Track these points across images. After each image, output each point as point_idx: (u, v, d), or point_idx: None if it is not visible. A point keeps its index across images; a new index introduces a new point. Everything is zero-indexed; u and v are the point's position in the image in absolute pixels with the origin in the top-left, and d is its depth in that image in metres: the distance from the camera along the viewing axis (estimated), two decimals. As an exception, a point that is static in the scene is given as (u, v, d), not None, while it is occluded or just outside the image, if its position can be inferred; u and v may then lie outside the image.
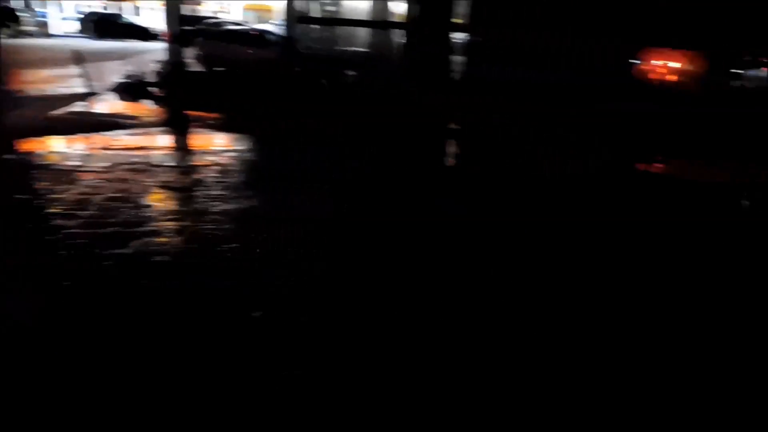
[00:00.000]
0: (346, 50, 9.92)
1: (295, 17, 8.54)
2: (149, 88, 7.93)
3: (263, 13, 23.04)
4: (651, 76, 7.13)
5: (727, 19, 6.37)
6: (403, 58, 7.62)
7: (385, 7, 9.19)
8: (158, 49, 9.07)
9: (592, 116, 5.89)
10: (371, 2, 9.49)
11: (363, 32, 9.84)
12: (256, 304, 2.48)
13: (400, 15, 8.96)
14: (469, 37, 6.66)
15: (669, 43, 7.11)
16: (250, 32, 12.22)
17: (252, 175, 4.67)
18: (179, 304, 2.46)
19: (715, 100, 6.73)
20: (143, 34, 18.98)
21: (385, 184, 4.60)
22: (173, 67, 8.38)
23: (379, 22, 8.87)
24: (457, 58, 6.75)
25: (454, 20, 6.50)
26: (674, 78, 7.19)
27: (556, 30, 6.34)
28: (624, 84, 6.69)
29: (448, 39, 6.75)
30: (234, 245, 3.07)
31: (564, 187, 4.56)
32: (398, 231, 3.52)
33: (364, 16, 9.69)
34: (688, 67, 7.10)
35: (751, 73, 6.78)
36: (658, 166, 5.54)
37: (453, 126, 6.59)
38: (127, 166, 4.51)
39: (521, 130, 6.08)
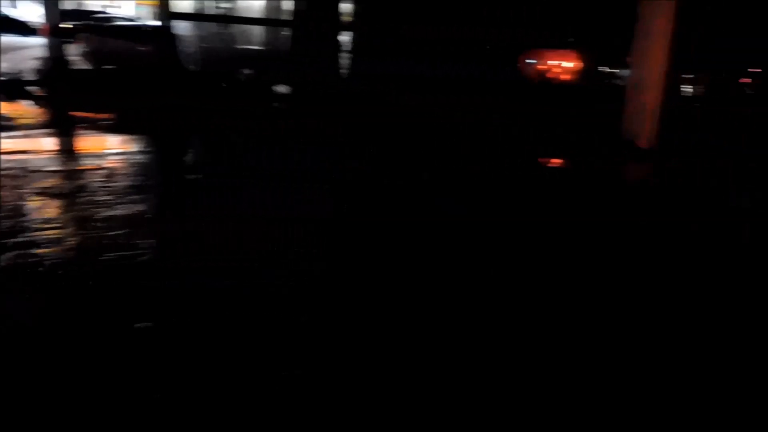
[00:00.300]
0: (246, 48, 9.76)
1: (169, 13, 8.18)
2: (28, 87, 7.40)
3: (159, 9, 22.01)
4: (546, 74, 7.60)
5: (611, 22, 6.90)
6: (291, 54, 7.59)
7: (279, 4, 9.12)
8: (39, 44, 8.45)
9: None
10: (266, 0, 9.40)
11: (263, 30, 9.73)
12: (139, 314, 2.40)
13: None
14: (355, 34, 6.75)
15: (560, 43, 7.63)
16: (143, 28, 11.68)
17: (142, 178, 4.49)
18: (49, 316, 2.33)
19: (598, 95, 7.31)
20: (21, 28, 17.58)
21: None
22: (55, 64, 7.86)
23: (263, 20, 8.77)
24: (344, 54, 6.83)
25: (340, 17, 6.55)
26: (567, 76, 7.73)
27: (448, 26, 6.58)
28: (512, 80, 7.10)
29: (334, 35, 6.79)
30: (116, 253, 2.94)
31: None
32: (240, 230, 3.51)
33: (258, 14, 9.58)
34: (578, 65, 7.62)
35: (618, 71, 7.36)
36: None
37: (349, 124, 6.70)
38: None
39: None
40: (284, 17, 8.83)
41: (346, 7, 6.86)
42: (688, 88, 6.01)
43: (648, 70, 4.84)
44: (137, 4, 24.48)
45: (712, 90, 5.94)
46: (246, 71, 9.01)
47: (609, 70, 6.95)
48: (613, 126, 5.27)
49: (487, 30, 6.70)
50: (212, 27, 9.46)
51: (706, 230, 3.98)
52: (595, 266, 3.32)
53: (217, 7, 10.00)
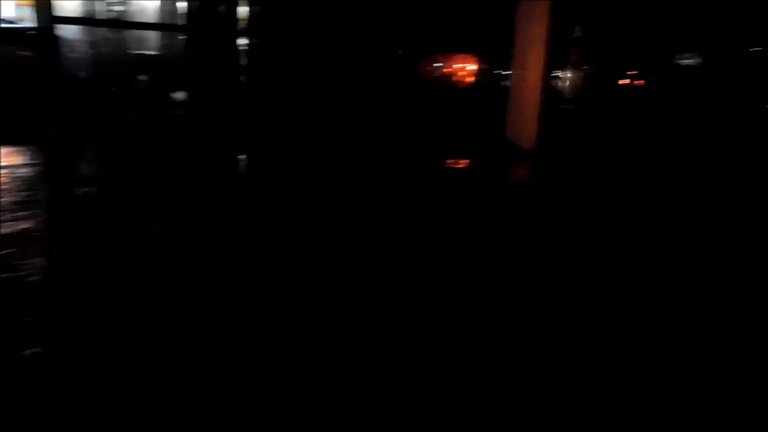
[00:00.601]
0: (141, 54, 9.39)
1: (51, 16, 7.74)
2: None
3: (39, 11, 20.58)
4: (452, 76, 8.09)
5: (500, 29, 7.34)
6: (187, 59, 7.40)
7: (174, 8, 8.87)
8: None
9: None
10: (161, 3, 9.09)
11: (160, 35, 9.39)
12: None
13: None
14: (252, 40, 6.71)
15: (452, 50, 8.11)
16: (24, 31, 10.93)
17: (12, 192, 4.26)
18: None
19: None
20: None
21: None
22: None
23: (152, 24, 8.47)
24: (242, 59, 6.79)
25: (237, 21, 6.49)
26: (471, 78, 8.27)
27: (346, 33, 6.71)
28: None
29: (232, 40, 6.71)
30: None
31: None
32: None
33: (154, 18, 9.25)
34: (467, 70, 8.12)
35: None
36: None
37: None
38: None
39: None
40: (181, 21, 8.61)
41: (244, 12, 6.81)
42: (567, 89, 6.54)
43: (527, 75, 5.21)
44: (17, 5, 22.79)
45: (590, 91, 6.47)
46: (141, 77, 8.67)
47: (498, 74, 7.42)
48: (499, 127, 5.62)
49: (380, 36, 6.90)
50: (103, 31, 9.03)
51: (565, 225, 4.36)
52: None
53: (108, 11, 9.56)
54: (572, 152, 5.61)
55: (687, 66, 7.35)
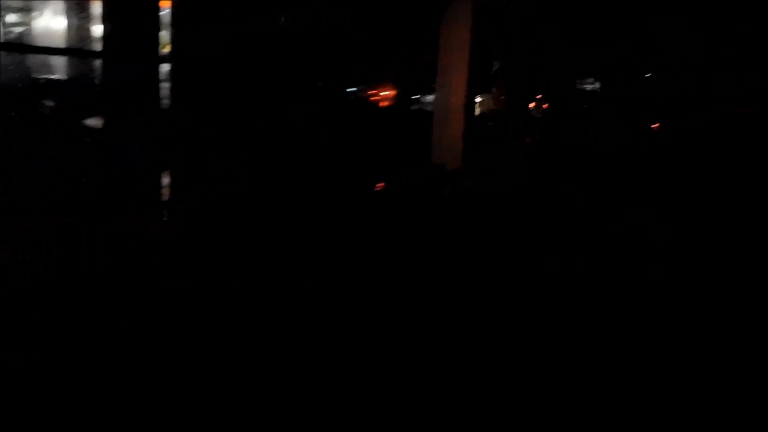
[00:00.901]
0: (46, 78, 8.96)
1: None
2: None
3: None
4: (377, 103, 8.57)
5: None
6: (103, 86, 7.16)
7: (86, 31, 8.55)
8: None
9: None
10: (69, 25, 8.72)
11: (67, 59, 8.99)
12: None
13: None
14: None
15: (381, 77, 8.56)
16: None
17: None
18: None
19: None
20: None
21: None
22: None
23: (70, 50, 8.15)
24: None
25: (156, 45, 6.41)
26: (395, 104, 8.85)
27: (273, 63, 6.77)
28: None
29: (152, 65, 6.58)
30: None
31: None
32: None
33: (61, 41, 8.85)
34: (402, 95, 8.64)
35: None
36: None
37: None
38: None
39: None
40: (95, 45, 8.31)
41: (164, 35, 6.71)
42: (488, 114, 7.00)
43: (450, 101, 5.58)
44: None
45: (507, 115, 6.96)
46: (48, 103, 8.28)
47: (422, 101, 7.83)
48: (425, 151, 5.94)
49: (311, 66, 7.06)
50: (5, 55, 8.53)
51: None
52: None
53: (6, 33, 9.04)
54: (491, 173, 6.03)
55: (588, 90, 8.17)
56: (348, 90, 7.60)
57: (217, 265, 4.14)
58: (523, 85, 6.94)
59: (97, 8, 8.47)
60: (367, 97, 7.66)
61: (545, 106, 7.67)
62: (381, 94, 7.92)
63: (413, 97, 7.58)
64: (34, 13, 9.21)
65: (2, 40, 8.75)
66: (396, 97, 7.71)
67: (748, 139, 8.19)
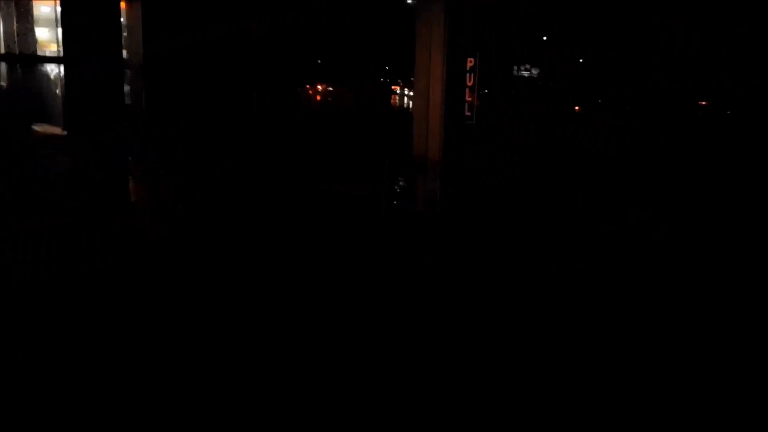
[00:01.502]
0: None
1: None
2: None
3: None
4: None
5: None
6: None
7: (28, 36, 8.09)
8: None
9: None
10: (6, 28, 8.21)
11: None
12: None
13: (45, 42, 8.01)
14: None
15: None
16: None
17: None
18: None
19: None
20: None
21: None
22: None
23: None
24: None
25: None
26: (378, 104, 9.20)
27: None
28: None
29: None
30: None
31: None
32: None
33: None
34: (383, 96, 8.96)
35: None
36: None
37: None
38: None
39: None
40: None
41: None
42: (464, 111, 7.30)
43: (429, 100, 5.80)
44: None
45: (481, 112, 7.22)
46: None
47: (401, 101, 8.05)
48: (406, 146, 6.11)
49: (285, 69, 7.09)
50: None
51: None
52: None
53: None
54: (470, 163, 6.29)
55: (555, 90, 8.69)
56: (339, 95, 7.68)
57: (210, 264, 4.18)
58: (496, 86, 7.17)
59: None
60: (354, 101, 7.78)
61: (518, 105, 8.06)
62: (368, 96, 8.07)
63: (397, 99, 7.81)
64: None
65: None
66: (383, 100, 7.90)
67: (742, 139, 8.83)
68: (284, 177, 5.99)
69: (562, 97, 9.20)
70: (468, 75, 5.71)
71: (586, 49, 8.95)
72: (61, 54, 6.25)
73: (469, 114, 5.66)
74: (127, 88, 6.78)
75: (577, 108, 10.00)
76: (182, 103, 6.43)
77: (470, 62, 5.64)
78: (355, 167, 6.34)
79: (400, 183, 6.06)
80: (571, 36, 8.44)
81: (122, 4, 6.24)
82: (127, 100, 6.68)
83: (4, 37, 8.07)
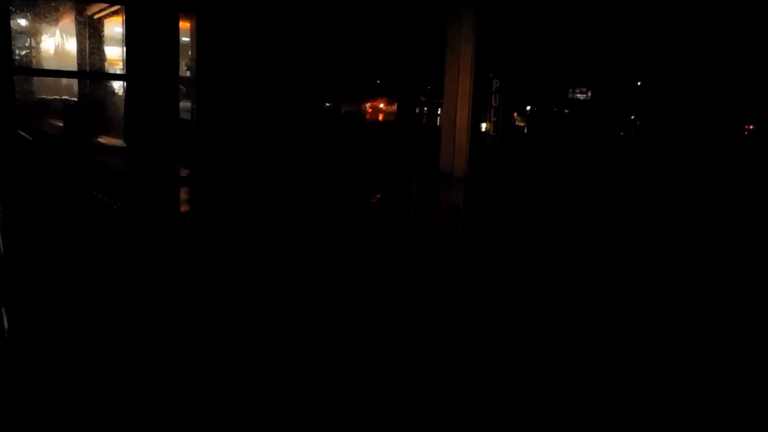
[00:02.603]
0: (55, 99, 9.23)
1: None
2: None
3: None
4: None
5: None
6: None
7: (99, 52, 8.86)
8: None
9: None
10: (79, 46, 9.02)
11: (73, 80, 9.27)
12: None
13: (114, 60, 8.73)
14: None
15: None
16: None
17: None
18: None
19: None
20: None
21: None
22: None
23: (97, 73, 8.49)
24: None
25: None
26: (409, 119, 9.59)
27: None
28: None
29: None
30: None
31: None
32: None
33: (72, 62, 9.15)
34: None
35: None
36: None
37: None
38: None
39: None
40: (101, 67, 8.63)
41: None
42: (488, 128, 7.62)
43: (456, 117, 6.11)
44: None
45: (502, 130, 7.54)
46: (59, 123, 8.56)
47: (430, 117, 8.44)
48: (433, 160, 6.44)
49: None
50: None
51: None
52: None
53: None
54: (494, 176, 6.59)
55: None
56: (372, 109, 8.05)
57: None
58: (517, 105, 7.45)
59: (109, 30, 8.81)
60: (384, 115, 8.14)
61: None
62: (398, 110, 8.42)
63: (428, 116, 8.17)
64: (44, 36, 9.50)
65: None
66: (413, 116, 8.24)
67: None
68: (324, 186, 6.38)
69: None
70: (494, 96, 6.05)
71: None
72: (124, 72, 6.72)
73: (494, 134, 6.00)
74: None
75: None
76: (232, 116, 6.89)
77: (495, 85, 5.99)
78: (387, 178, 6.71)
79: (429, 195, 6.36)
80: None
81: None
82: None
83: (78, 55, 8.90)
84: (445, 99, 6.10)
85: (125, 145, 6.79)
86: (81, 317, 4.23)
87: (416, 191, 6.02)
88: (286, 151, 6.75)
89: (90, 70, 8.23)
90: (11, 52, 5.65)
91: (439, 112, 7.10)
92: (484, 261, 5.09)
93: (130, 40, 6.63)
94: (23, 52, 9.47)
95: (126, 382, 3.59)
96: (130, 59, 6.59)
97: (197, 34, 6.43)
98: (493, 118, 6.05)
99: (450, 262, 5.16)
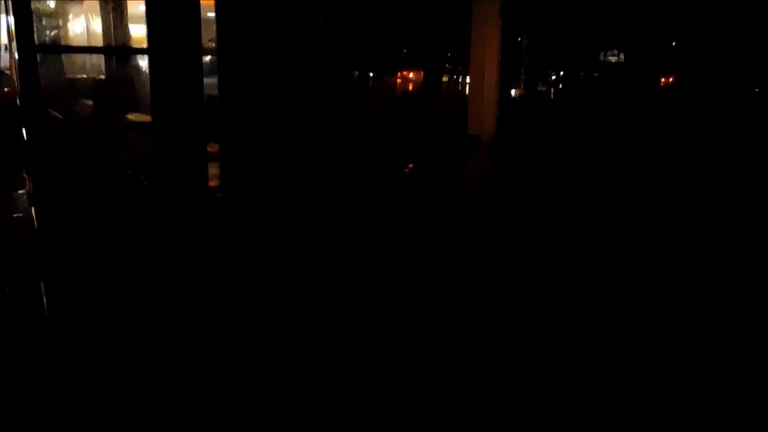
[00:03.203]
0: (82, 78, 9.29)
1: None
2: None
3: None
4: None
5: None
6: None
7: (124, 30, 8.85)
8: None
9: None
10: (103, 24, 9.02)
11: (98, 58, 9.30)
12: None
13: (140, 39, 8.71)
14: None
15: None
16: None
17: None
18: None
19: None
20: None
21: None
22: None
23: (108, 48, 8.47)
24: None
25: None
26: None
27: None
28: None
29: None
30: None
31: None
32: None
33: (97, 40, 9.16)
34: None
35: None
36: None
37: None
38: None
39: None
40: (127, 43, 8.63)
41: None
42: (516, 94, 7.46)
43: (484, 82, 5.98)
44: None
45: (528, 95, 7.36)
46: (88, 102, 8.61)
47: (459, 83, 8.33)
48: (462, 124, 6.31)
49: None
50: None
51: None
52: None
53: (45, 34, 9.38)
54: (520, 144, 6.46)
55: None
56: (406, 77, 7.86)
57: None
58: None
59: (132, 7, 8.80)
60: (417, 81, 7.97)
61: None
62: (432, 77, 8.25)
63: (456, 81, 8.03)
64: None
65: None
66: (443, 82, 8.09)
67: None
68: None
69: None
70: (523, 53, 5.89)
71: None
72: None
73: (516, 98, 5.87)
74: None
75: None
76: (254, 91, 6.81)
77: (524, 41, 5.81)
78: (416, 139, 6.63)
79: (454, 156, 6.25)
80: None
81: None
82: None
83: (103, 32, 8.92)
84: (471, 59, 5.95)
85: (151, 121, 6.80)
86: (116, 286, 4.32)
87: (418, 186, 5.93)
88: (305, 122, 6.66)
89: (114, 46, 8.23)
90: (33, 31, 5.67)
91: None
92: (487, 258, 4.96)
93: (150, 13, 6.56)
94: (51, 32, 9.53)
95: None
96: (151, 34, 6.54)
97: (217, 7, 6.33)
98: (522, 77, 5.88)
99: (450, 262, 5.02)
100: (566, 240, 6.04)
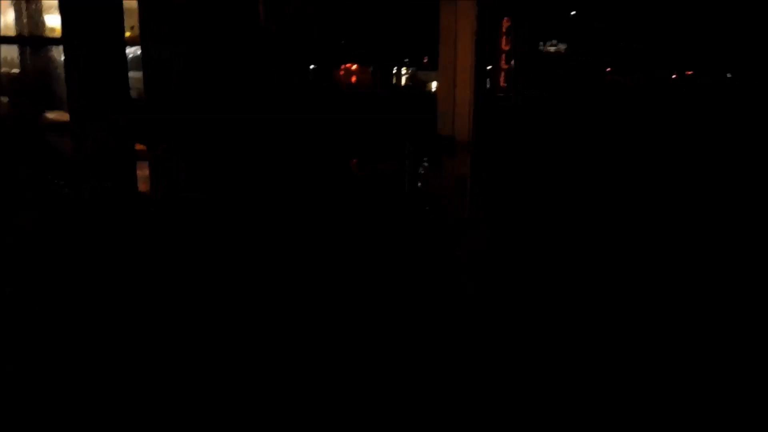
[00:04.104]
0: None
1: None
2: None
3: None
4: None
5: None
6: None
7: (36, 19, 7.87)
8: None
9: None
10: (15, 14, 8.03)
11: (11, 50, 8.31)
12: None
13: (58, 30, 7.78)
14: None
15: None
16: None
17: None
18: None
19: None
20: None
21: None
22: None
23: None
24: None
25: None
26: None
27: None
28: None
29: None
30: None
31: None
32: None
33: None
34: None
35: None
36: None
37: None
38: None
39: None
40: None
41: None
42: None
43: (453, 73, 5.25)
44: None
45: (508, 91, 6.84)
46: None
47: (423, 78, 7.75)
48: (430, 123, 5.63)
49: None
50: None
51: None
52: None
53: None
54: (503, 138, 5.88)
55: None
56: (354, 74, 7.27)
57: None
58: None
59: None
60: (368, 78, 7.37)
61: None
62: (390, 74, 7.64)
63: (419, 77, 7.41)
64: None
65: None
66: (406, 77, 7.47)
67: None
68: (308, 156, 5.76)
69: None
70: (504, 38, 5.11)
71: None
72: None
73: (504, 85, 5.09)
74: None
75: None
76: (192, 87, 6.10)
77: (506, 23, 5.03)
78: (380, 145, 6.03)
79: (425, 164, 5.61)
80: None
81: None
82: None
83: (16, 22, 7.89)
84: (440, 52, 5.19)
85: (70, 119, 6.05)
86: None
87: (410, 163, 5.29)
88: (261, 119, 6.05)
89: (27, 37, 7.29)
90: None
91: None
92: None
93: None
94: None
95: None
96: (64, 22, 5.70)
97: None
98: (503, 66, 5.15)
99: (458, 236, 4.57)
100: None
